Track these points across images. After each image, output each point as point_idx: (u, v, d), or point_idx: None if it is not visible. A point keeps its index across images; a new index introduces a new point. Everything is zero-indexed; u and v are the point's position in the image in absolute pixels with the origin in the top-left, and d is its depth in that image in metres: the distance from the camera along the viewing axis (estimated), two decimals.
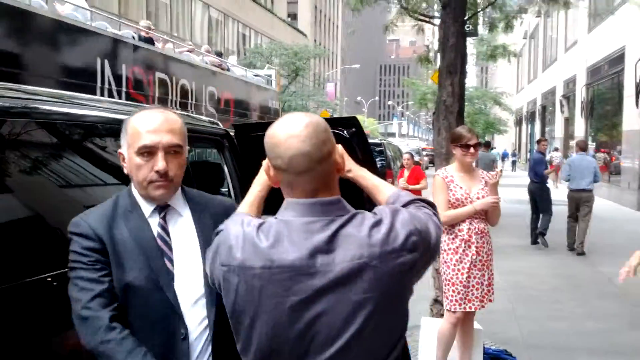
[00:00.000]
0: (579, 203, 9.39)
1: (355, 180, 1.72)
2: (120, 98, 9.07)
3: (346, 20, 66.19)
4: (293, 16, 54.02)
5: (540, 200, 10.18)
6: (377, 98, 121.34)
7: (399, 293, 1.44)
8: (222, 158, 3.74)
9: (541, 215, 10.17)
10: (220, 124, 3.84)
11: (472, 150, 3.90)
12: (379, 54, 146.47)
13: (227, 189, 4.02)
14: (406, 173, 10.50)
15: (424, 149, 49.37)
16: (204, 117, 3.57)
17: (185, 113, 3.44)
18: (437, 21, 9.62)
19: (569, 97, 26.57)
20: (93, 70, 8.63)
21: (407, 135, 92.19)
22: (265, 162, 1.50)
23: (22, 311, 1.99)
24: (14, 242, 2.02)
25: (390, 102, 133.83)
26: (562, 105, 27.45)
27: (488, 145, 15.20)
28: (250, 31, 36.46)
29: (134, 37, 10.28)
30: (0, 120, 2.05)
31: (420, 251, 1.44)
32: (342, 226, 1.40)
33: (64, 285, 1.68)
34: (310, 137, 1.40)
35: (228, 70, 14.73)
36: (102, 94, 8.67)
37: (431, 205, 1.62)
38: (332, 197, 1.45)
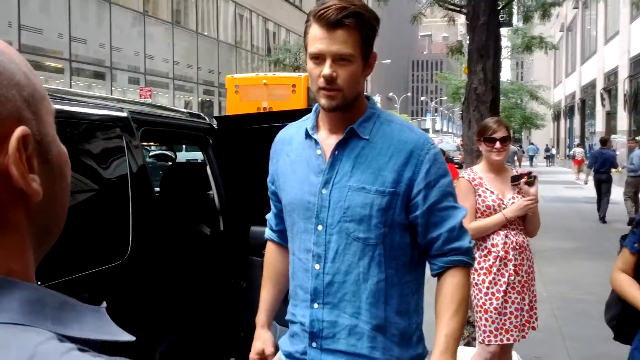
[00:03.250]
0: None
1: None
2: None
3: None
4: None
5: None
6: (409, 94, 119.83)
7: None
8: (205, 158, 3.16)
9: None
10: (206, 117, 3.26)
11: (498, 145, 3.11)
12: (411, 50, 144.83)
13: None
14: None
15: (462, 144, 48.25)
16: (182, 109, 2.99)
17: (163, 105, 2.85)
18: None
19: (610, 90, 25.34)
20: None
21: (442, 131, 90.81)
22: None
23: None
24: None
25: (423, 98, 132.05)
26: (602, 99, 26.22)
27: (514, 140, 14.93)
28: (278, 28, 36.05)
29: None
30: None
31: None
32: None
33: None
34: None
35: None
36: None
37: None
38: None
